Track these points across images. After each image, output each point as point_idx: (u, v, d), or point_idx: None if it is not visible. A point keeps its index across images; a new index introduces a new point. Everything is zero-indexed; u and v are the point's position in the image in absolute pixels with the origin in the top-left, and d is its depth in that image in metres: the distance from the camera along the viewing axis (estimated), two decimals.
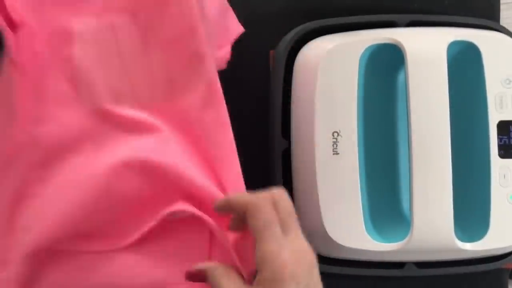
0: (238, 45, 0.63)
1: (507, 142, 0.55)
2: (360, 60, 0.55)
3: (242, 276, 0.41)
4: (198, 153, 0.49)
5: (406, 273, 0.59)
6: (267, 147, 0.62)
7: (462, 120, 0.58)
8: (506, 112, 0.55)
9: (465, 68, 0.57)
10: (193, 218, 0.47)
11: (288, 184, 0.58)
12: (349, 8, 0.65)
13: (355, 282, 0.63)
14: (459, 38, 0.56)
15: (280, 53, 0.60)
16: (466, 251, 0.55)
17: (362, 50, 0.55)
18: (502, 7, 0.67)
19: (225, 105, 0.50)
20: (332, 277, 0.61)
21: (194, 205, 0.47)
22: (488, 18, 0.62)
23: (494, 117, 0.55)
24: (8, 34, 0.46)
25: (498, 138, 0.55)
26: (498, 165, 0.55)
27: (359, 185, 0.55)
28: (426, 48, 0.54)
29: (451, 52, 0.55)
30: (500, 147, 0.55)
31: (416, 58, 0.54)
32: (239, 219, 0.42)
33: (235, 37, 0.61)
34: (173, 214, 0.47)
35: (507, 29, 0.61)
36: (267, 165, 0.61)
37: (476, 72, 0.56)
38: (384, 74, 0.61)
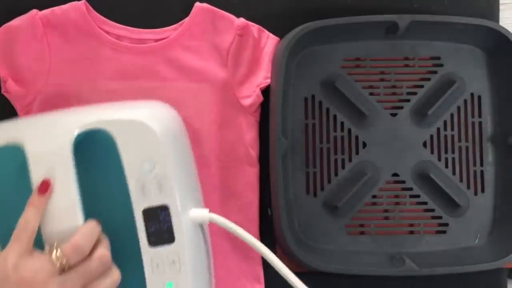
0: None
1: (158, 227, 0.50)
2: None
3: None
4: None
5: (406, 273, 0.59)
6: (267, 147, 0.62)
7: (109, 214, 0.51)
8: (151, 197, 0.49)
9: (103, 157, 0.52)
10: None
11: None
12: (349, 8, 0.65)
13: (355, 282, 0.63)
14: (86, 128, 0.50)
15: (280, 53, 0.60)
16: None
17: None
18: (501, 7, 0.67)
19: None
20: (332, 276, 0.61)
21: None
22: (487, 18, 0.62)
23: (139, 205, 0.49)
24: None
25: (147, 225, 0.49)
26: (150, 254, 0.50)
27: None
28: (48, 147, 0.48)
29: (86, 141, 0.50)
30: (151, 234, 0.49)
31: (39, 159, 0.48)
32: None
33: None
34: None
35: (507, 30, 0.61)
36: (267, 165, 0.61)
37: (114, 160, 0.50)
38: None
